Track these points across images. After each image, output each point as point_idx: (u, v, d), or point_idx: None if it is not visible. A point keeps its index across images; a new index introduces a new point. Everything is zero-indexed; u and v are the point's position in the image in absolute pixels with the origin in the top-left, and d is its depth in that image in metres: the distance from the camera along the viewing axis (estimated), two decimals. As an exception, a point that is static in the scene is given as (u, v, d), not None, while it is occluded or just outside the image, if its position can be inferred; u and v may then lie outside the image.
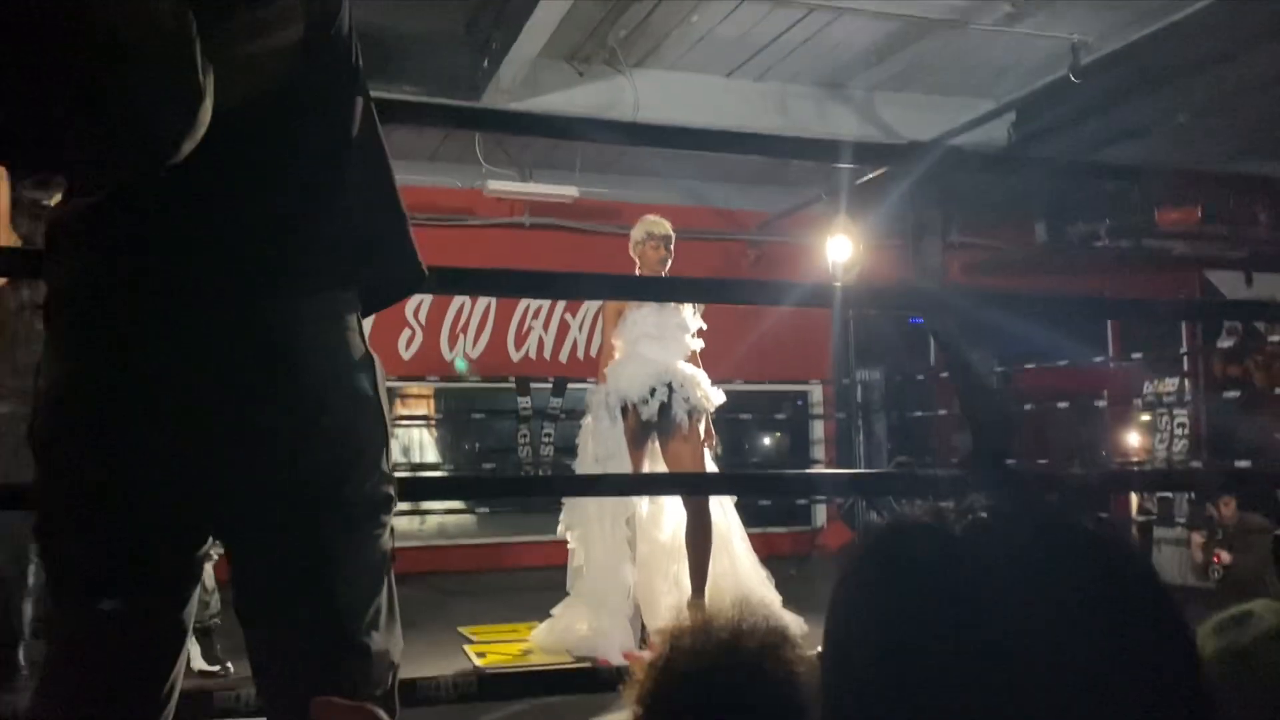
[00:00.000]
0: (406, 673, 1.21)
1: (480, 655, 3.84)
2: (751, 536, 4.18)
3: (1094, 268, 7.22)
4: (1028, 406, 7.03)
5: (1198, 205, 6.29)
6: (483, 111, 4.89)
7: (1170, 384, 6.33)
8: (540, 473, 6.30)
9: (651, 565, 3.96)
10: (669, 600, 3.82)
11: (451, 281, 2.72)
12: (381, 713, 0.85)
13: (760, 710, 1.02)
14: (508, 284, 3.18)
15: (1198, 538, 5.67)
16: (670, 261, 4.03)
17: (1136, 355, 7.02)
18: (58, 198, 1.20)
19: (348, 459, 1.12)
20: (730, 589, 3.74)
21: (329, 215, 1.14)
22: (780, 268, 7.06)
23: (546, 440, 6.40)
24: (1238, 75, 5.03)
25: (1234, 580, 5.30)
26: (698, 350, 4.07)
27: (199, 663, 3.36)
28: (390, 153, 1.25)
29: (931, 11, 4.88)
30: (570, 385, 6.42)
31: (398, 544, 1.21)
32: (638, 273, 4.01)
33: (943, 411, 7.18)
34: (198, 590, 1.20)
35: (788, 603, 3.40)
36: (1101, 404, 6.88)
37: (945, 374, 6.05)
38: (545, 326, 7.00)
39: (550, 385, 6.51)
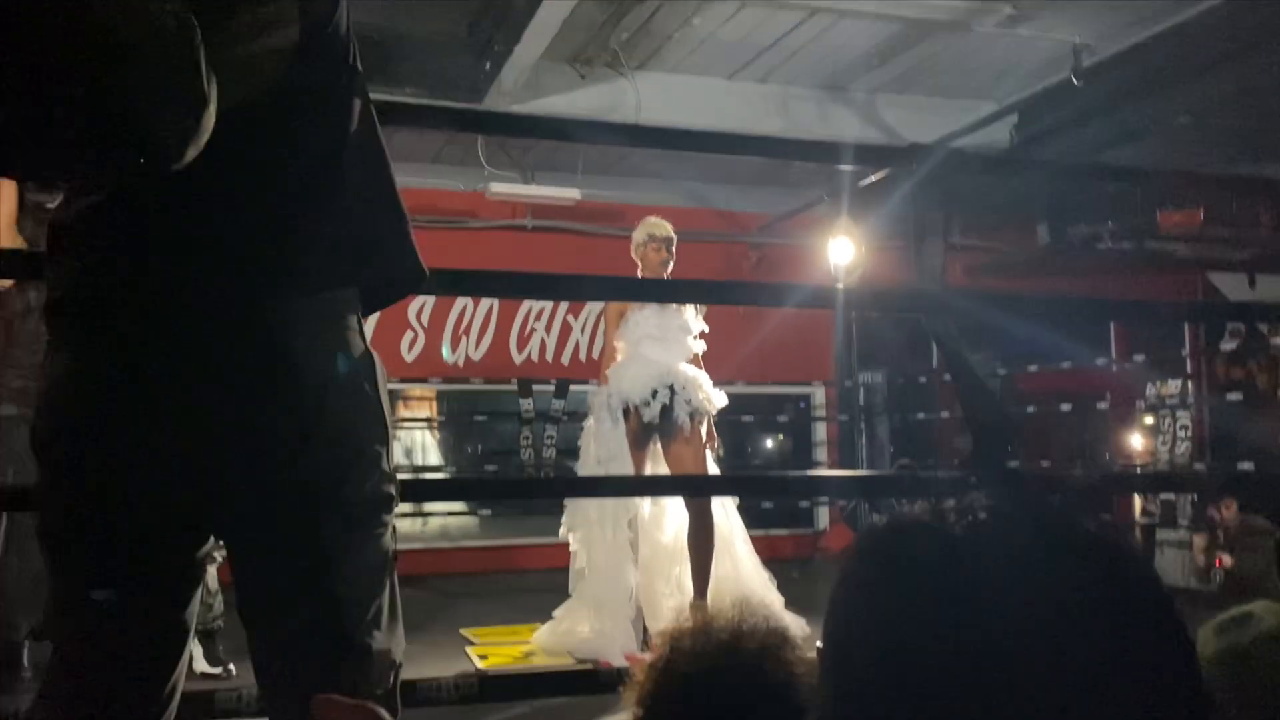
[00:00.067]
0: (408, 674, 1.21)
1: (482, 657, 3.84)
2: (754, 539, 4.18)
3: (1096, 270, 7.22)
4: (1030, 409, 7.02)
5: (1200, 207, 6.28)
6: (485, 114, 4.89)
7: (1173, 386, 6.32)
8: (542, 475, 6.30)
9: (653, 567, 3.96)
10: (671, 602, 3.82)
11: (454, 283, 2.73)
12: (383, 712, 0.85)
13: (760, 711, 1.02)
14: (510, 286, 3.19)
15: (1200, 540, 5.66)
16: (672, 263, 4.03)
17: (1139, 357, 7.01)
18: (60, 199, 1.20)
19: (348, 459, 1.12)
20: (732, 591, 3.74)
21: (328, 215, 1.14)
22: (782, 270, 7.06)
23: (549, 442, 6.40)
24: (1240, 77, 5.02)
25: (1236, 583, 5.29)
26: (700, 352, 4.07)
27: (201, 665, 3.36)
28: (392, 155, 1.26)
29: (933, 14, 4.87)
30: (572, 387, 6.42)
31: (400, 546, 1.21)
32: (640, 275, 4.02)
33: (945, 414, 7.18)
34: (200, 591, 1.20)
35: (790, 605, 3.40)
36: (1104, 406, 6.87)
37: (947, 376, 6.04)
38: (547, 329, 7.00)
39: (553, 387, 6.51)
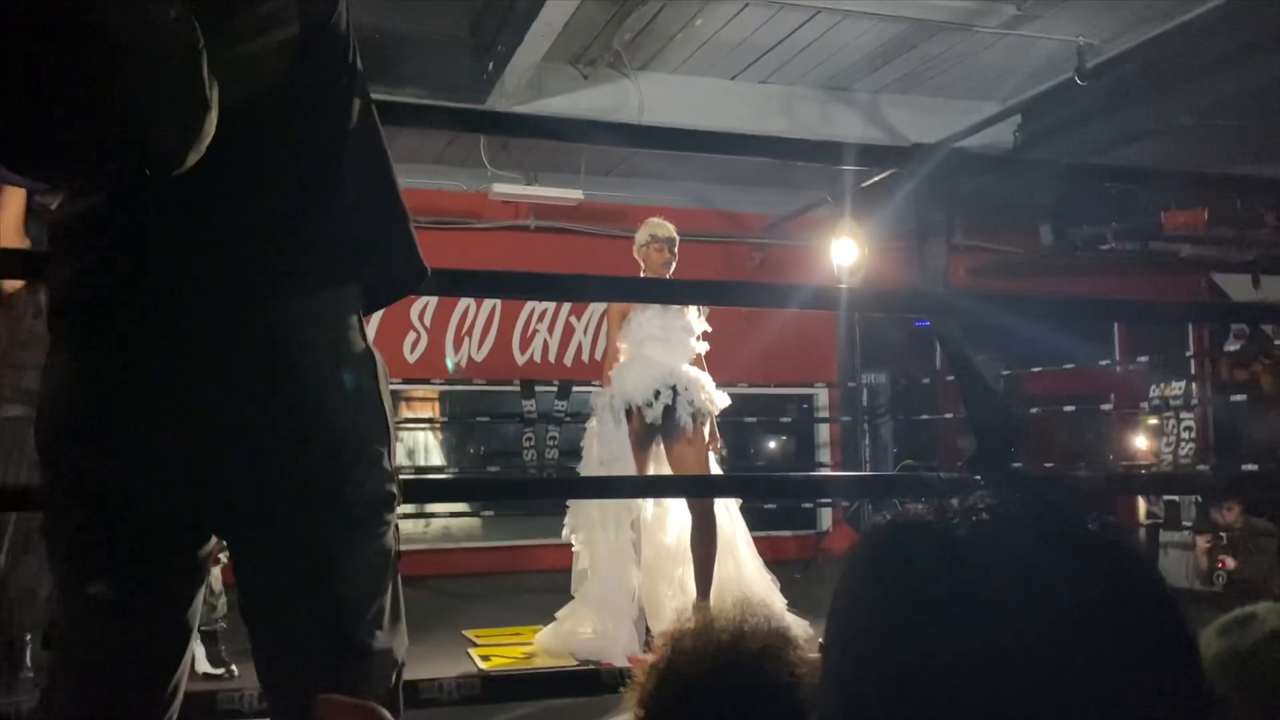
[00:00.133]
0: (410, 675, 1.21)
1: (484, 658, 3.84)
2: (756, 540, 4.17)
3: (1100, 271, 7.21)
4: (1034, 410, 7.01)
5: (1204, 208, 6.27)
6: (487, 114, 4.89)
7: (1177, 387, 6.30)
8: (545, 476, 6.30)
9: (656, 568, 3.96)
10: (673, 603, 3.82)
11: (456, 283, 2.73)
12: (385, 712, 0.85)
13: (762, 712, 1.02)
14: (512, 286, 3.18)
15: (1203, 542, 5.65)
16: (674, 264, 4.03)
17: (1143, 358, 7.00)
18: (59, 200, 1.20)
19: (348, 458, 1.12)
20: (735, 592, 3.73)
21: (328, 214, 1.14)
22: (785, 270, 7.06)
23: (551, 443, 6.41)
24: (1244, 77, 5.01)
25: (1239, 585, 5.28)
26: (702, 353, 4.07)
27: (204, 665, 3.37)
28: (394, 156, 1.25)
29: (936, 14, 4.87)
30: (575, 388, 6.42)
31: (402, 547, 1.21)
32: (642, 275, 4.01)
33: (948, 415, 7.17)
34: (202, 591, 1.20)
35: (793, 606, 3.39)
36: (1108, 407, 6.86)
37: (951, 377, 6.03)
38: (550, 330, 7.00)
39: (555, 388, 6.51)
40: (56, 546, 1.15)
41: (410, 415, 7.09)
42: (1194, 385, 6.53)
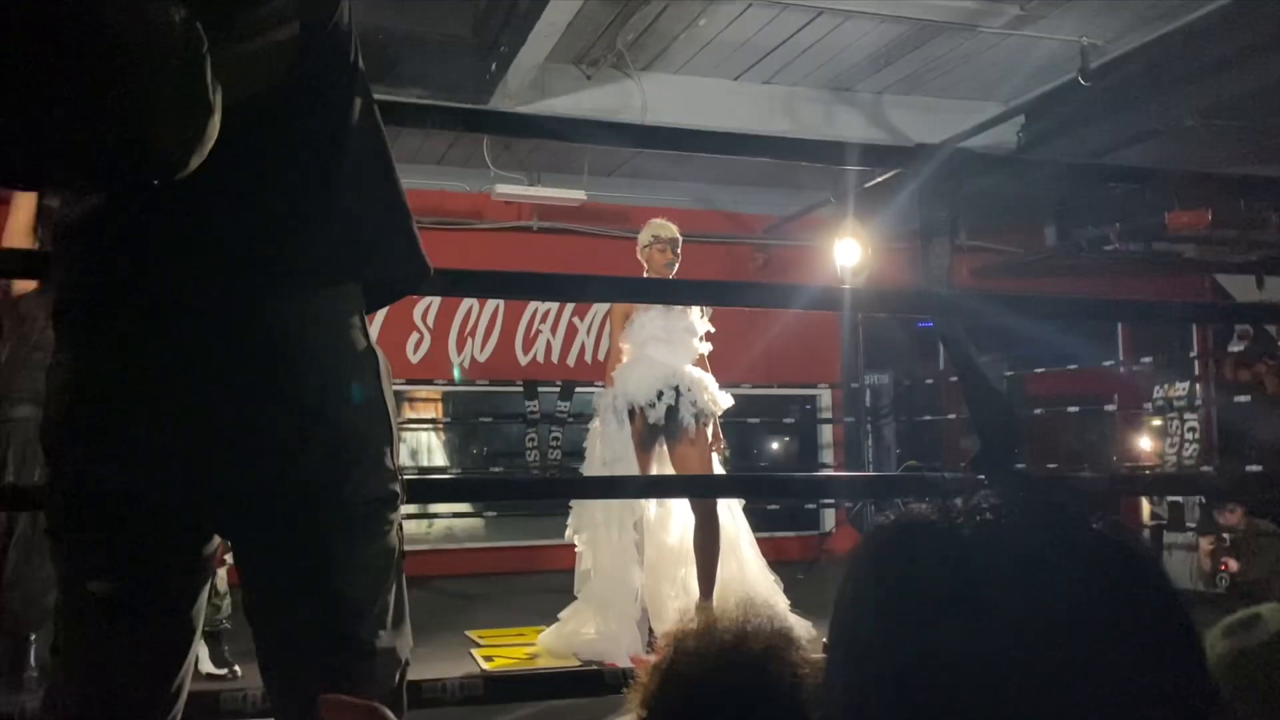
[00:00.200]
0: (413, 675, 1.20)
1: (487, 659, 3.84)
2: (760, 541, 4.17)
3: (1103, 271, 7.20)
4: (1037, 411, 7.00)
5: (1208, 208, 6.25)
6: (490, 114, 4.89)
7: (1181, 388, 6.29)
8: (548, 476, 6.30)
9: (659, 569, 3.96)
10: (676, 604, 3.82)
11: (459, 284, 2.73)
12: (388, 712, 0.84)
13: (764, 712, 1.01)
14: (515, 286, 3.18)
15: (1205, 544, 5.63)
16: (677, 265, 4.03)
17: (1147, 359, 6.98)
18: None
19: (349, 457, 1.12)
20: (738, 593, 3.73)
21: (328, 213, 1.14)
22: (788, 271, 7.06)
23: (554, 444, 6.41)
24: (1248, 77, 5.00)
25: (1242, 587, 5.27)
26: (705, 354, 4.06)
27: (207, 665, 3.37)
28: (397, 156, 1.25)
29: (940, 14, 4.87)
30: (578, 389, 6.42)
31: (405, 547, 1.21)
32: (645, 276, 4.01)
33: (951, 416, 7.16)
34: (206, 590, 1.20)
35: (796, 607, 3.39)
36: (1111, 408, 6.85)
37: (954, 378, 6.03)
38: (553, 330, 7.01)
39: (558, 389, 6.51)
40: (59, 546, 1.15)
41: (413, 415, 7.09)
42: (1198, 386, 6.51)
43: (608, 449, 3.92)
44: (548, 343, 7.00)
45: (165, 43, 0.91)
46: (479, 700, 2.32)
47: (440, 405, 7.35)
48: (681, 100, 5.44)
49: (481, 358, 6.85)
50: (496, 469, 7.47)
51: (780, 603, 3.69)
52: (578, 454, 4.45)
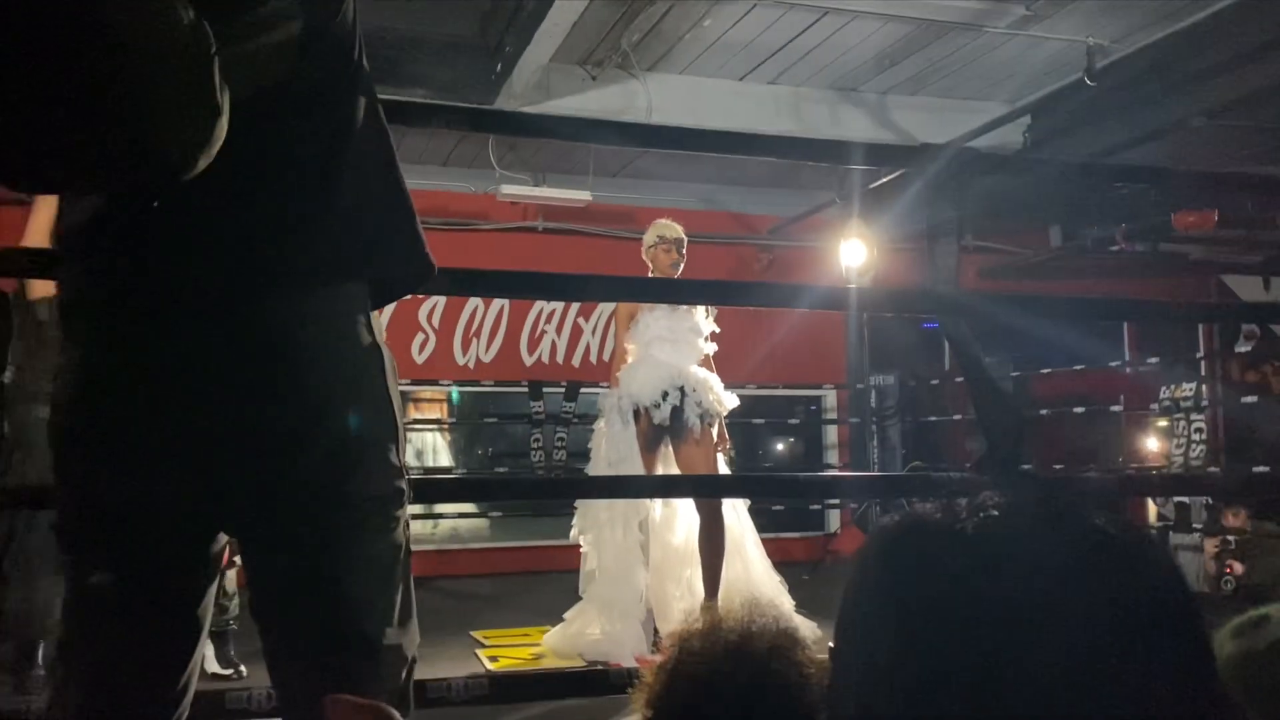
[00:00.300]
0: (418, 675, 1.20)
1: (492, 659, 3.84)
2: (765, 542, 4.17)
3: (1110, 272, 7.18)
4: (1043, 411, 6.98)
5: (1215, 209, 6.23)
6: (495, 114, 4.89)
7: (1187, 389, 6.27)
8: (553, 476, 6.31)
9: (664, 569, 3.95)
10: (682, 604, 3.81)
11: (464, 283, 2.73)
12: (394, 711, 0.84)
13: (769, 713, 1.01)
14: (520, 286, 3.19)
15: (1210, 546, 5.62)
16: (682, 265, 4.03)
17: (1153, 360, 6.96)
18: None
19: (353, 455, 1.12)
20: (743, 593, 3.73)
21: (330, 212, 1.14)
22: (793, 272, 7.05)
23: (559, 444, 6.41)
24: (1255, 78, 4.99)
25: (1247, 590, 5.25)
26: (710, 354, 4.06)
27: (212, 665, 3.37)
28: (403, 157, 1.25)
29: (945, 15, 4.86)
30: (583, 390, 6.42)
31: (411, 547, 1.20)
32: (650, 276, 4.01)
33: (957, 416, 7.15)
34: (213, 590, 1.20)
35: (801, 608, 3.39)
36: (1118, 409, 6.83)
37: (960, 378, 6.01)
38: (558, 331, 7.01)
39: (563, 389, 6.51)
40: (65, 544, 1.15)
41: (418, 416, 7.10)
42: (1204, 387, 6.50)
43: (613, 449, 3.92)
44: (553, 343, 7.00)
45: (168, 42, 0.91)
46: (484, 700, 2.32)
47: (445, 405, 7.36)
48: (686, 101, 5.43)
49: (487, 358, 6.86)
50: (501, 469, 7.47)
51: (785, 603, 3.69)
52: (583, 454, 4.46)
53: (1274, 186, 5.03)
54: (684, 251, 4.03)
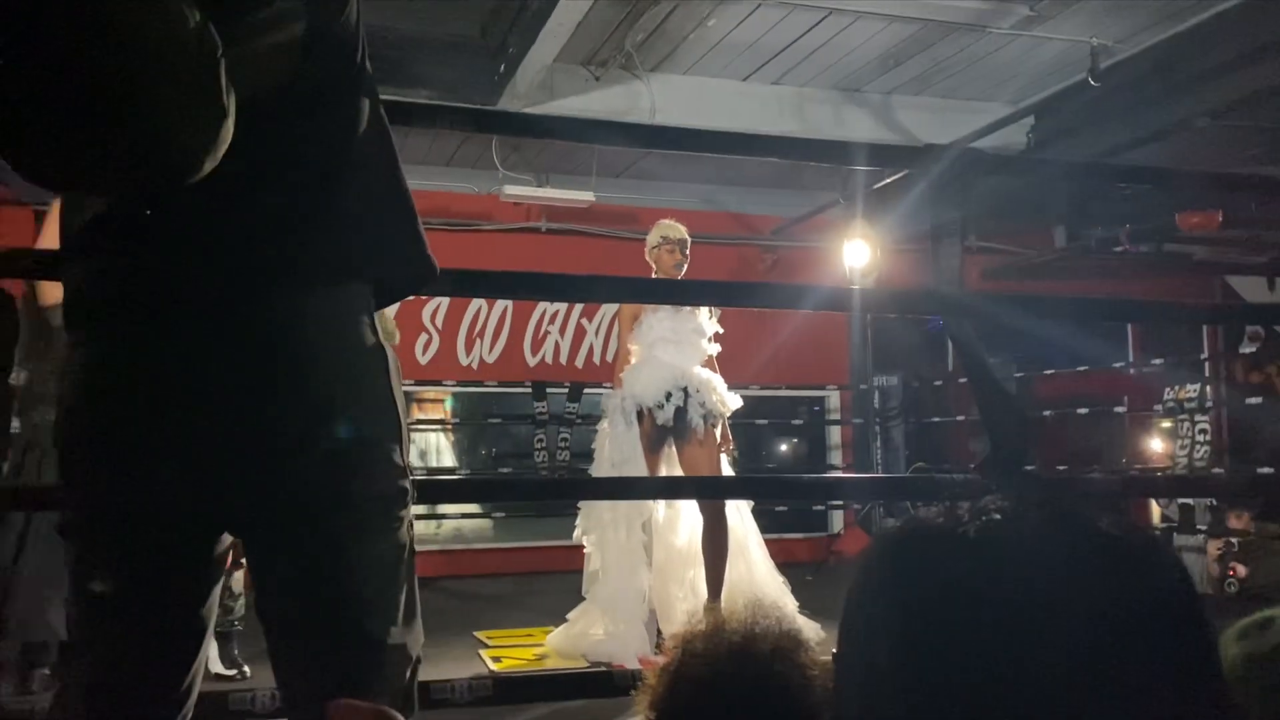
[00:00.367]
0: (421, 675, 1.20)
1: (496, 659, 3.84)
2: (768, 543, 4.17)
3: (1114, 273, 7.17)
4: (1047, 412, 6.98)
5: (1219, 209, 6.23)
6: (499, 114, 4.90)
7: (1191, 390, 6.26)
8: (556, 477, 6.31)
9: (667, 570, 3.95)
10: (685, 605, 3.81)
11: (467, 284, 2.74)
12: (397, 715, 0.84)
13: (772, 713, 1.01)
14: (523, 287, 3.19)
15: (1214, 548, 5.60)
16: (686, 266, 4.03)
17: (1157, 361, 6.95)
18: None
19: (356, 455, 1.12)
20: (746, 594, 3.73)
21: (332, 212, 1.14)
22: (797, 273, 7.05)
23: (563, 445, 6.41)
24: (1259, 78, 4.98)
25: (1250, 592, 5.24)
26: (714, 355, 4.06)
27: (216, 666, 3.38)
28: (406, 158, 1.26)
29: (949, 15, 4.85)
30: (586, 390, 6.43)
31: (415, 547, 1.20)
32: (654, 277, 4.01)
33: (961, 417, 7.14)
34: (217, 590, 1.20)
35: (804, 609, 3.39)
36: (1122, 410, 6.82)
37: (963, 379, 6.01)
38: (561, 331, 7.01)
39: (566, 390, 6.52)
40: (72, 544, 1.15)
41: (422, 416, 7.11)
42: (1208, 388, 6.49)
43: (616, 450, 3.92)
44: (556, 344, 7.00)
45: (175, 43, 0.91)
46: (487, 701, 2.32)
47: (445, 405, 7.37)
48: (690, 101, 5.43)
49: (490, 358, 6.86)
50: (505, 470, 7.47)
51: (788, 604, 3.68)
52: (586, 455, 4.46)
53: (1278, 187, 5.02)
54: (688, 252, 4.03)
